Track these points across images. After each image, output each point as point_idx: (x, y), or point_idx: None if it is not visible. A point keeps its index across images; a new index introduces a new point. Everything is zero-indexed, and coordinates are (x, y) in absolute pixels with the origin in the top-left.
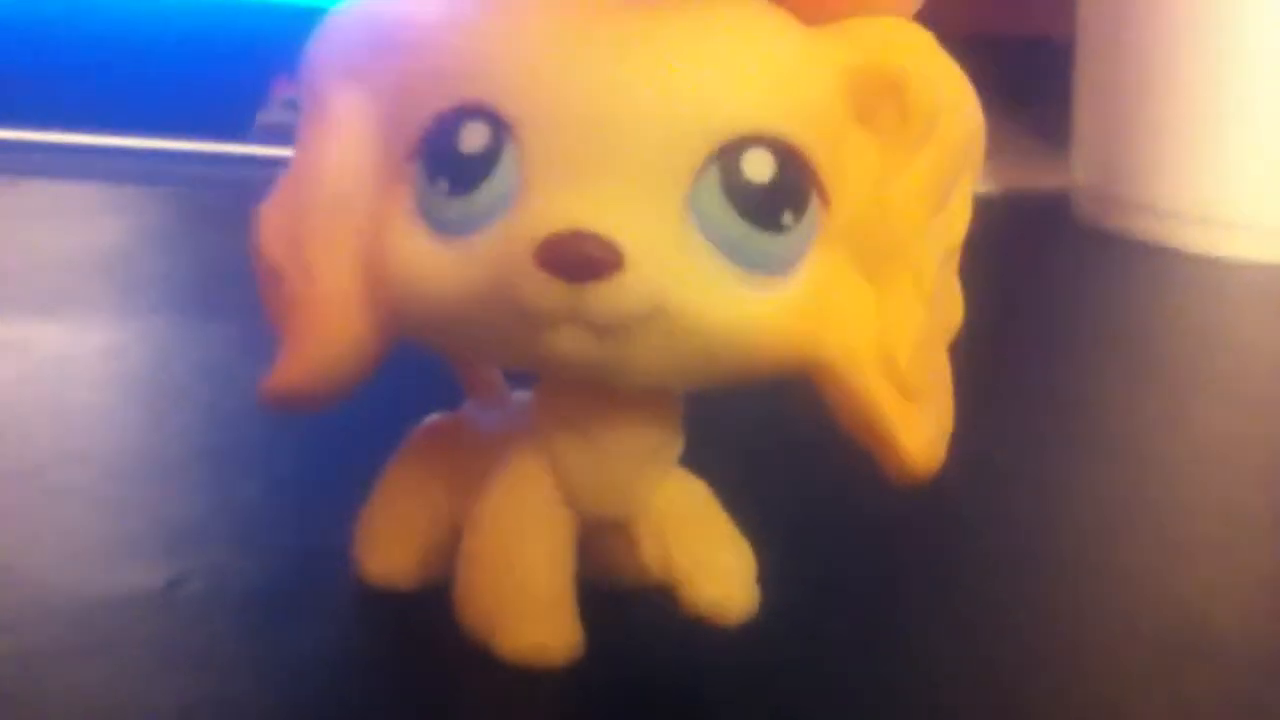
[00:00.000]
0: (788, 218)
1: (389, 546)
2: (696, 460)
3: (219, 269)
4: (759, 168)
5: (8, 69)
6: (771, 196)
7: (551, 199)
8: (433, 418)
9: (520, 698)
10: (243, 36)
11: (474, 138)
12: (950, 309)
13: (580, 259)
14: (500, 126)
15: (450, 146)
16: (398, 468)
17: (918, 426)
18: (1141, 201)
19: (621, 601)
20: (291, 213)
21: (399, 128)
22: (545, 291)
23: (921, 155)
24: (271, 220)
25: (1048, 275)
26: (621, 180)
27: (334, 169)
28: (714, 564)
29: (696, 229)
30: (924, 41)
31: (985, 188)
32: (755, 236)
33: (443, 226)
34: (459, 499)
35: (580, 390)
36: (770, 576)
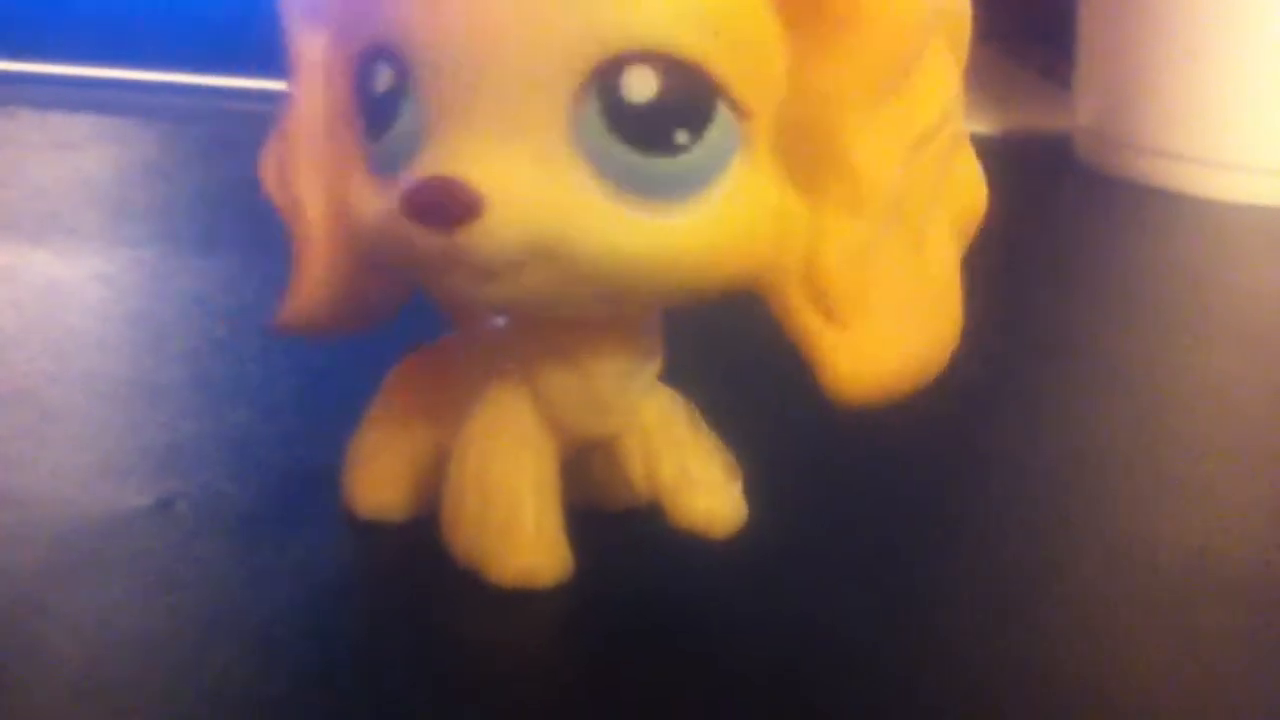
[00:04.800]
0: (682, 136)
1: (377, 480)
2: (679, 377)
3: (210, 201)
4: (640, 87)
5: (4, 1)
6: (658, 116)
7: (437, 143)
8: (415, 348)
9: (510, 621)
10: None
11: (381, 80)
12: (958, 193)
13: (433, 206)
14: (401, 68)
15: (367, 89)
16: (383, 401)
17: (849, 347)
18: (1143, 143)
19: (609, 524)
20: (278, 153)
21: (343, 69)
22: (418, 239)
23: (843, 49)
24: (267, 159)
25: (1049, 217)
26: (501, 117)
27: (302, 111)
28: (701, 477)
29: (583, 159)
30: None
31: (987, 128)
32: (645, 161)
33: (373, 167)
34: (445, 429)
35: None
36: (757, 490)
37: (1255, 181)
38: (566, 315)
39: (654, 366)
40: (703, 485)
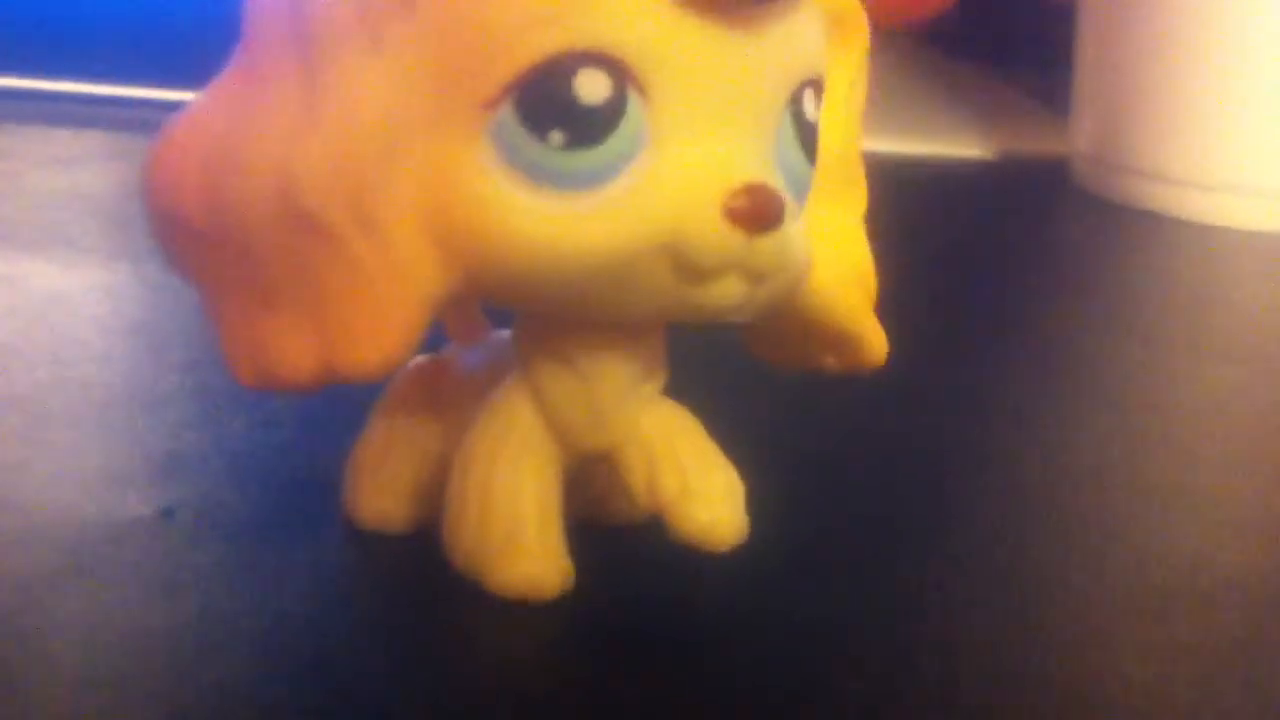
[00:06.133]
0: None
1: (379, 491)
2: (681, 389)
3: None
4: (813, 107)
5: (6, 17)
6: (817, 133)
7: (697, 149)
8: (416, 360)
9: (511, 630)
10: None
11: (594, 88)
12: None
13: (768, 210)
14: (623, 76)
15: (563, 96)
16: (385, 410)
17: (876, 324)
18: (1140, 167)
19: (610, 535)
20: (343, 161)
21: (467, 70)
22: (726, 242)
23: (860, 81)
24: (318, 169)
25: (1046, 240)
26: (742, 129)
27: (390, 111)
28: (702, 489)
29: (778, 169)
30: None
31: (985, 152)
32: (810, 171)
33: (556, 180)
34: (446, 440)
35: (563, 324)
36: (759, 501)
37: (1252, 206)
38: (736, 321)
39: (658, 379)
40: (704, 498)
